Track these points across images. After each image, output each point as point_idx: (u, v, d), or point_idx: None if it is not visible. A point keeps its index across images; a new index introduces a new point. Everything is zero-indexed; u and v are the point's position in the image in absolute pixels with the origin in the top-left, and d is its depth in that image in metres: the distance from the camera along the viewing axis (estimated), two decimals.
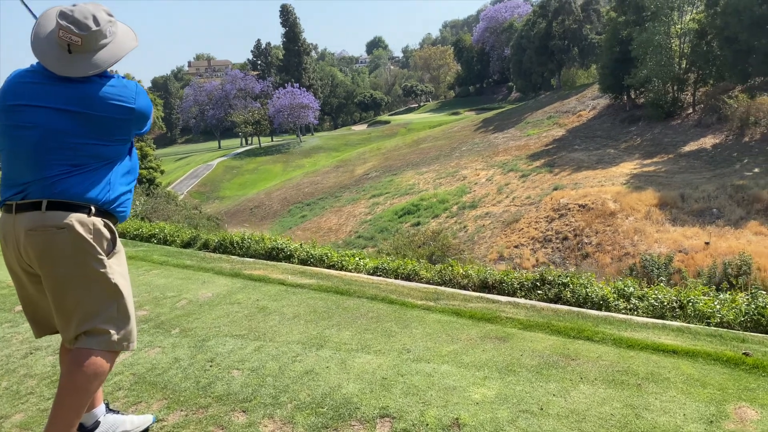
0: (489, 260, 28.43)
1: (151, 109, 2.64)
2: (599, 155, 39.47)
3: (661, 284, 5.61)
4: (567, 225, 28.90)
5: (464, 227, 34.07)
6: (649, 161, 35.74)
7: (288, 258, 7.60)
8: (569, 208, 30.10)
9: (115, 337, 2.52)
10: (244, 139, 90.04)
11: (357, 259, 7.23)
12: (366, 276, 6.46)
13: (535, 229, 30.03)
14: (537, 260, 27.55)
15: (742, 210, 25.88)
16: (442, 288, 5.73)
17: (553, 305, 5.12)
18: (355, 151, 70.17)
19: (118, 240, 2.61)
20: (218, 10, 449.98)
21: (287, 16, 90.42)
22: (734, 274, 20.29)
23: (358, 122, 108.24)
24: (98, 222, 2.46)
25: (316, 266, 7.23)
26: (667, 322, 4.45)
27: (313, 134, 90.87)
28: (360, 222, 41.61)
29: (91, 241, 2.43)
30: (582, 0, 68.60)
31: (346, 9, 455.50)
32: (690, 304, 4.96)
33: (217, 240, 8.41)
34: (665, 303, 5.06)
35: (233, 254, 8.02)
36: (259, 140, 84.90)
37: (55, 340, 3.96)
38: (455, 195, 39.91)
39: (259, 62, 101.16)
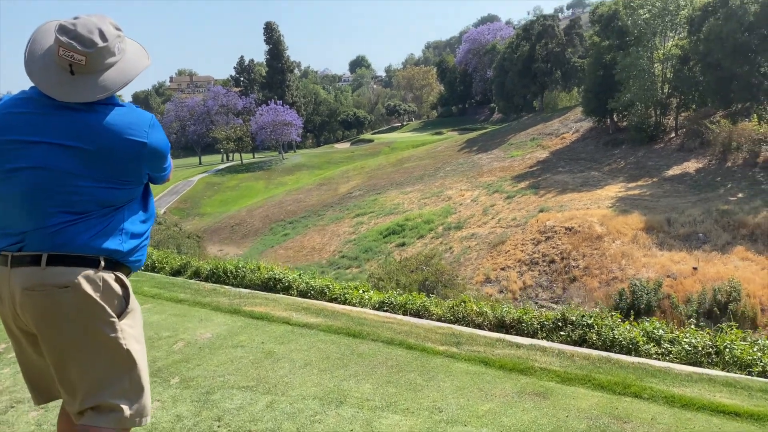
0: (475, 282, 28.16)
1: (168, 148, 2.25)
2: (584, 178, 39.63)
3: (692, 326, 5.31)
4: (554, 248, 28.76)
5: (450, 248, 33.81)
6: (633, 184, 35.92)
7: (286, 289, 7.17)
8: (555, 231, 30.00)
9: (128, 413, 2.12)
10: (225, 156, 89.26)
11: (361, 292, 6.84)
12: (372, 311, 6.07)
13: (522, 251, 29.85)
14: (524, 283, 27.35)
15: (728, 235, 25.97)
16: (458, 328, 5.36)
17: (580, 349, 4.78)
18: (338, 169, 69.84)
19: (132, 296, 2.21)
20: (201, 26, 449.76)
21: (271, 34, 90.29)
22: (724, 301, 20.25)
23: (341, 140, 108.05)
24: (108, 277, 2.08)
25: (317, 299, 6.82)
26: (711, 373, 4.13)
27: (295, 151, 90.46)
28: (344, 241, 41.14)
29: (100, 300, 2.04)
30: (565, 24, 69.61)
31: (330, 28, 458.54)
32: (727, 350, 4.65)
33: (209, 268, 7.95)
34: (700, 348, 4.74)
35: (227, 284, 7.57)
36: (240, 157, 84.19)
37: None
38: (440, 215, 39.69)
39: (242, 79, 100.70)
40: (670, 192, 33.64)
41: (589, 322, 5.30)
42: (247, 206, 59.26)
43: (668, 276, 23.70)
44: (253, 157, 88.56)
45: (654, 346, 4.91)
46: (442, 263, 21.59)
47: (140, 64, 2.17)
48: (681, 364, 4.57)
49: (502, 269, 29.05)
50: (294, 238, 45.66)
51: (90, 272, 2.03)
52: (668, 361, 4.67)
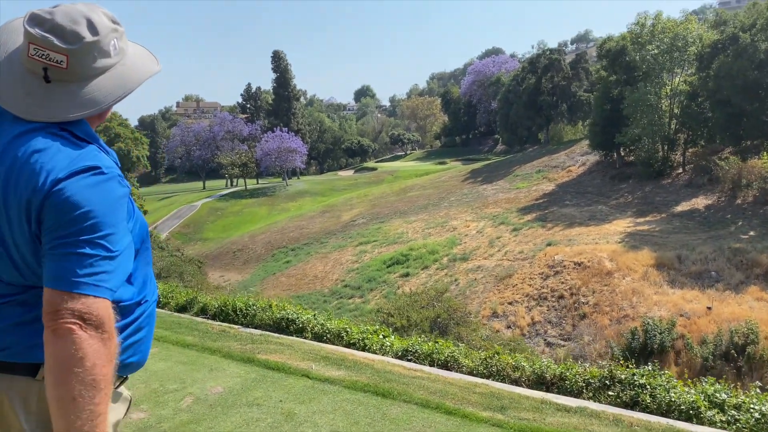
0: (482, 317, 27.49)
1: (108, 224, 1.35)
2: (591, 212, 39.19)
3: (757, 390, 4.79)
4: (563, 283, 28.16)
5: (455, 280, 33.20)
6: (642, 220, 35.47)
7: (300, 331, 6.66)
8: (564, 266, 29.43)
9: None
10: (229, 181, 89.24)
11: (381, 337, 6.33)
12: (396, 361, 5.55)
13: (530, 285, 29.24)
14: (532, 319, 26.70)
15: (742, 274, 25.41)
16: (495, 385, 4.84)
17: (637, 415, 4.26)
18: (341, 196, 69.56)
19: None
20: (209, 53, 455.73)
21: (279, 62, 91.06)
22: (741, 343, 19.61)
23: (345, 168, 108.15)
24: None
25: (334, 343, 6.32)
26: None
27: (299, 178, 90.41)
28: (347, 270, 40.54)
29: (25, 425, 1.42)
30: (571, 58, 70.04)
31: (336, 57, 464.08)
32: None
33: (217, 305, 7.45)
34: None
35: (236, 323, 7.07)
36: (245, 182, 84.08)
37: None
38: (445, 246, 39.15)
39: (248, 105, 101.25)
40: (679, 228, 33.16)
41: (641, 381, 4.79)
42: (250, 232, 58.85)
43: (681, 315, 23.07)
44: (257, 183, 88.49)
45: (718, 412, 4.39)
46: (454, 300, 21.00)
47: (145, 70, 1.60)
48: None
49: (510, 304, 28.42)
50: (296, 266, 45.08)
51: (24, 382, 1.41)
52: (737, 431, 4.14)
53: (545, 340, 24.92)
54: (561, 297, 27.30)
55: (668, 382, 4.80)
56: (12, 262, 1.39)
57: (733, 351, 19.53)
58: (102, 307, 1.30)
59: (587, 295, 26.60)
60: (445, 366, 5.59)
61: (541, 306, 27.32)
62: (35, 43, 1.38)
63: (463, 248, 38.08)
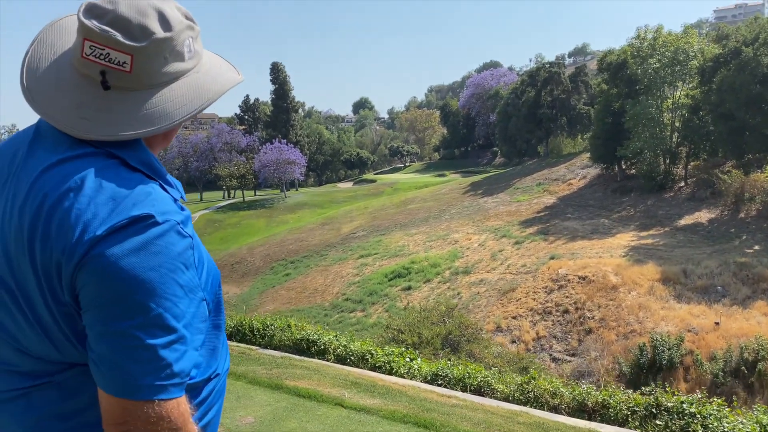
0: (486, 331, 27.21)
1: (153, 299, 1.01)
2: (593, 225, 39.04)
3: None
4: (567, 297, 27.93)
5: (458, 294, 32.93)
6: (645, 233, 35.31)
7: (321, 353, 6.43)
8: (568, 280, 29.21)
9: None
10: (227, 193, 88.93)
11: (407, 359, 6.09)
12: (428, 386, 5.32)
13: (534, 299, 29.00)
14: (537, 333, 26.43)
15: (748, 289, 25.23)
16: (537, 414, 4.61)
17: None
18: (341, 208, 69.31)
19: None
20: None
21: (277, 74, 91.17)
22: (751, 359, 19.38)
23: (344, 180, 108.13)
24: None
25: (358, 365, 6.08)
26: None
27: (297, 190, 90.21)
28: (348, 283, 40.23)
29: None
30: (570, 71, 70.28)
31: (334, 69, 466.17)
32: None
33: (233, 324, 7.21)
34: None
35: (253, 343, 6.84)
36: (243, 194, 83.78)
37: None
38: (447, 259, 38.91)
39: (246, 117, 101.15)
40: (683, 242, 33.01)
41: (691, 410, 4.55)
42: (248, 244, 58.48)
43: (689, 330, 22.85)
44: (255, 195, 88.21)
45: None
46: (464, 316, 20.76)
47: (227, 78, 1.27)
48: None
49: (514, 318, 28.15)
50: (296, 279, 44.73)
51: None
52: None
53: (551, 355, 24.63)
54: (566, 311, 27.05)
55: (719, 410, 4.58)
56: (45, 333, 1.07)
57: (743, 367, 19.30)
58: (174, 409, 1.03)
59: (593, 309, 26.36)
60: (478, 392, 5.36)
61: (545, 320, 27.05)
62: (92, 39, 1.08)
63: (465, 261, 37.85)
